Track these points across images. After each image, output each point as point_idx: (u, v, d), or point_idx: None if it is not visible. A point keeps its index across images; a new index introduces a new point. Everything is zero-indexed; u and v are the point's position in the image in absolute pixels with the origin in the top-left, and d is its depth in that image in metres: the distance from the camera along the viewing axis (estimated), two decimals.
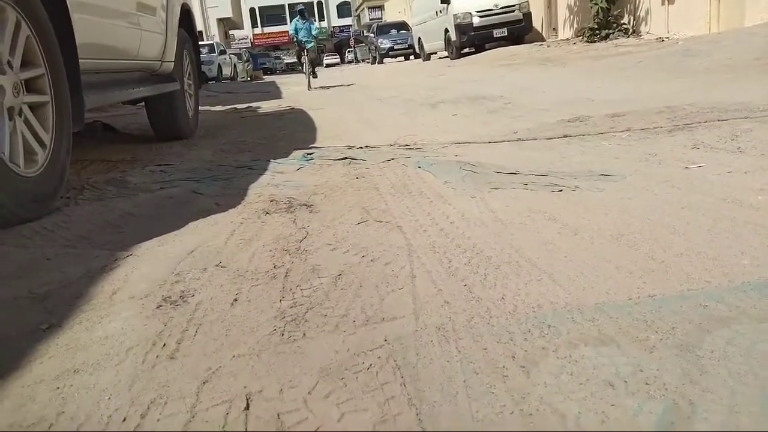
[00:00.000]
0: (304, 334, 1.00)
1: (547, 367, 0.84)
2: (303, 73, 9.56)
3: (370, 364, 0.88)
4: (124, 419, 0.80)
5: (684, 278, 1.11)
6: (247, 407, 0.80)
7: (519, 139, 2.80)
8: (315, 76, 9.45)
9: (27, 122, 1.78)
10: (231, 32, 36.73)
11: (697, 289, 1.05)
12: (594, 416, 0.72)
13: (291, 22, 11.10)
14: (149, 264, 1.41)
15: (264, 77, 19.84)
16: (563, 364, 0.84)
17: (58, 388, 0.89)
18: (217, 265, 1.37)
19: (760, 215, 1.42)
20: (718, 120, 2.68)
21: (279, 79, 15.14)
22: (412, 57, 18.21)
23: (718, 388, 0.76)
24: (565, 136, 2.73)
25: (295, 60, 17.14)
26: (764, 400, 0.73)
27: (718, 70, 4.48)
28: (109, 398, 0.85)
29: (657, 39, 7.69)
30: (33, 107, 1.83)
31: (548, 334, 0.93)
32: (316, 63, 10.00)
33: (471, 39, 11.89)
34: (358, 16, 42.68)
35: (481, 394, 0.79)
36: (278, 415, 0.78)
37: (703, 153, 2.14)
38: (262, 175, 2.30)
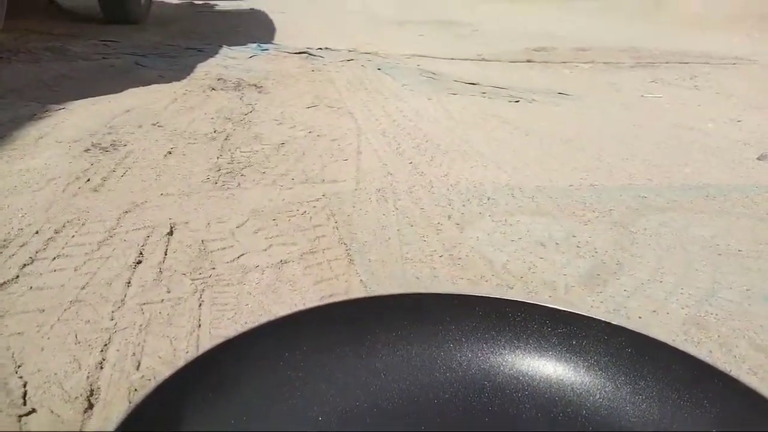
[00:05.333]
0: (239, 185, 0.96)
1: (482, 226, 0.83)
2: None
3: (305, 211, 0.86)
4: (37, 232, 0.75)
5: (626, 177, 1.12)
6: (171, 233, 0.77)
7: (483, 59, 2.75)
8: None
9: None
10: None
11: (638, 185, 1.06)
12: (522, 264, 0.72)
13: None
14: (81, 117, 1.32)
15: None
16: (497, 225, 0.84)
17: None
18: (153, 124, 1.30)
19: (710, 139, 1.44)
20: (680, 63, 2.70)
21: None
22: None
23: (647, 255, 0.77)
24: (528, 61, 2.70)
25: None
26: (688, 265, 0.74)
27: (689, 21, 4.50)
28: (23, 216, 0.80)
29: None
30: None
31: (486, 203, 0.92)
32: None
33: None
34: None
35: (414, 241, 0.77)
36: (202, 242, 0.75)
37: (661, 87, 2.16)
38: (212, 57, 2.18)
